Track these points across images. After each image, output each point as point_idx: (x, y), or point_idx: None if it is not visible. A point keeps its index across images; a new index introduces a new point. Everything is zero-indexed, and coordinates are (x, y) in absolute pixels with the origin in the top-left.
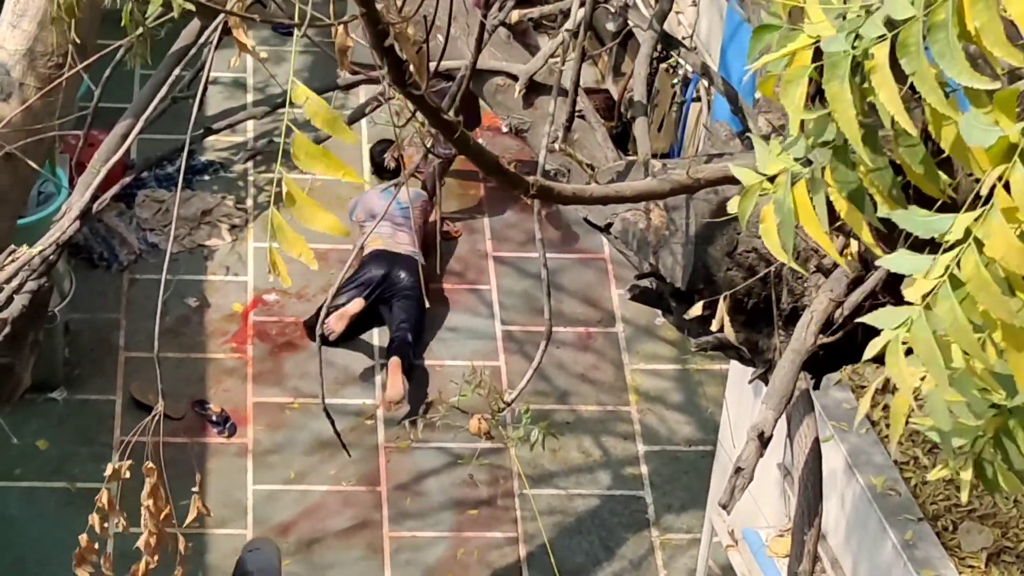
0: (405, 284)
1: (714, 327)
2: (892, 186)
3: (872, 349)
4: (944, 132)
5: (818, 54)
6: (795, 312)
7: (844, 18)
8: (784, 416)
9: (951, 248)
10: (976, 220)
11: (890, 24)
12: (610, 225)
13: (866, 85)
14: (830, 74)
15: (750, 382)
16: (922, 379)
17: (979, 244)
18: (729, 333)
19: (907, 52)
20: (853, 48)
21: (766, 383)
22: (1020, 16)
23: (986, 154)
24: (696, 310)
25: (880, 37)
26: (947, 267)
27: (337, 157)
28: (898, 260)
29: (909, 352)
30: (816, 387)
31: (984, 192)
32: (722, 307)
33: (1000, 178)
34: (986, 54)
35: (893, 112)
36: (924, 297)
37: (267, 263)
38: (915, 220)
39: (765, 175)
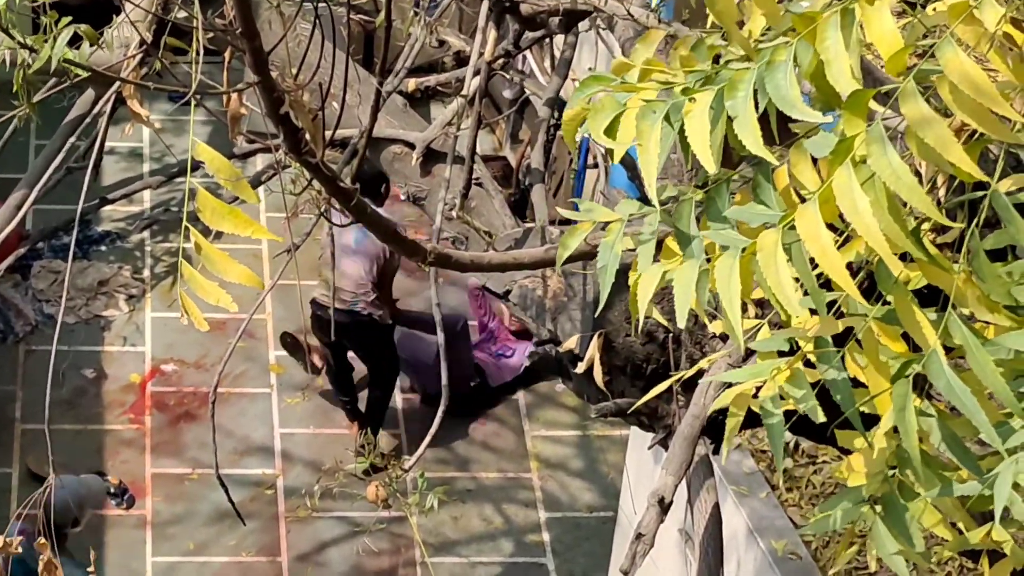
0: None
1: (581, 368)
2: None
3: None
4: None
5: None
6: (694, 377)
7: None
8: (684, 481)
9: None
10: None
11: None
12: (508, 292)
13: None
14: (643, 113)
15: (650, 448)
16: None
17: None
18: (598, 375)
19: (734, 96)
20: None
21: (666, 448)
22: (880, 39)
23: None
24: (570, 344)
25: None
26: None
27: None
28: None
29: None
30: (716, 452)
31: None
32: (593, 346)
33: None
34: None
35: (699, 153)
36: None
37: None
38: (752, 213)
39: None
